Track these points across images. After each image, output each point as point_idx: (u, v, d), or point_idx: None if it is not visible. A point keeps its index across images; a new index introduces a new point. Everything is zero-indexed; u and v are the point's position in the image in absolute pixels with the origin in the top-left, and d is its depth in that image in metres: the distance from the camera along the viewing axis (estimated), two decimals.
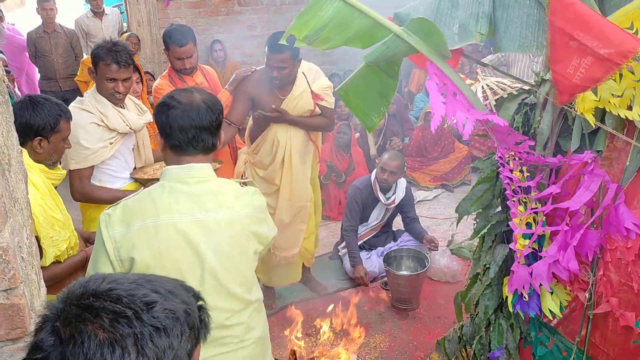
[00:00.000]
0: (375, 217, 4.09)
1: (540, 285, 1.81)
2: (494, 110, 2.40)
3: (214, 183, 1.64)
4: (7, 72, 4.64)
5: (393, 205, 4.02)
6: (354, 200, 3.96)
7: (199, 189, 1.60)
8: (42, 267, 1.90)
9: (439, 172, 5.60)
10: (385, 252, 3.87)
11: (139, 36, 5.69)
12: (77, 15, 6.60)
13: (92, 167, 2.61)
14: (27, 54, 6.18)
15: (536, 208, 1.81)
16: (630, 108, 1.53)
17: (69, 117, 2.19)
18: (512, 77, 2.29)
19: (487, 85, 2.69)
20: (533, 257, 1.87)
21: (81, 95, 2.75)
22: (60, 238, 1.95)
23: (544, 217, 1.83)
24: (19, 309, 1.25)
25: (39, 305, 1.40)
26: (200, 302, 0.89)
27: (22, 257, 1.29)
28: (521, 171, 1.82)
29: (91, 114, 2.56)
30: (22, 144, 1.50)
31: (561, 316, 1.88)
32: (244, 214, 1.65)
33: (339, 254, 4.15)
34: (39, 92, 5.93)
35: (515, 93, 2.09)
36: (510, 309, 1.95)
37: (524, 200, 1.84)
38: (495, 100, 2.47)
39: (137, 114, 2.77)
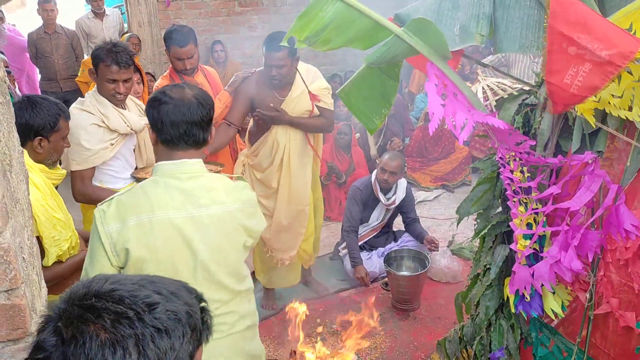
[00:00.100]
0: (376, 218, 4.09)
1: (542, 285, 1.81)
2: (495, 111, 2.40)
3: (206, 178, 1.69)
4: (8, 72, 4.64)
5: (393, 206, 4.02)
6: (354, 201, 3.96)
7: (191, 184, 1.64)
8: (45, 267, 1.91)
9: (439, 172, 5.59)
10: (385, 253, 3.87)
11: (139, 37, 5.70)
12: (77, 16, 6.61)
13: (94, 168, 2.61)
14: (27, 55, 6.18)
15: (537, 208, 1.81)
16: (631, 109, 1.53)
17: (67, 116, 2.20)
18: (512, 77, 2.29)
19: (488, 86, 2.69)
20: (534, 257, 1.87)
21: (82, 96, 2.75)
22: (62, 238, 1.96)
23: (545, 218, 1.83)
24: (20, 309, 1.25)
25: (40, 305, 1.40)
26: (203, 304, 0.89)
27: (24, 257, 1.30)
28: (522, 172, 1.82)
29: (92, 115, 2.56)
30: (22, 144, 1.50)
31: (563, 316, 1.88)
32: (234, 209, 1.69)
33: (340, 254, 4.15)
34: (39, 93, 5.93)
35: (515, 94, 2.09)
36: (512, 310, 1.95)
37: (525, 200, 1.84)
38: (496, 101, 2.48)
39: (138, 114, 2.77)
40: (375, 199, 3.97)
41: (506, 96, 2.17)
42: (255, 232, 1.78)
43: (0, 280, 1.21)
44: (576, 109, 1.63)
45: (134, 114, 2.73)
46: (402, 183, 4.01)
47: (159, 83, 3.27)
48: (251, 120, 3.38)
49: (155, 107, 1.64)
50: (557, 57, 1.48)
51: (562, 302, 1.89)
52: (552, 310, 1.87)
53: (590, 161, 1.69)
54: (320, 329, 3.33)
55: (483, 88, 2.72)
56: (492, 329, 2.19)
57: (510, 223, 1.89)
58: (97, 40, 5.99)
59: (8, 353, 1.29)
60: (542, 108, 1.92)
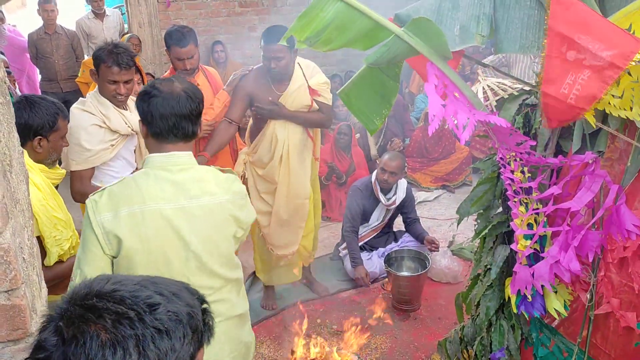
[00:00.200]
0: (376, 218, 4.08)
1: (546, 286, 1.81)
2: (495, 111, 2.39)
3: (196, 170, 1.72)
4: (8, 73, 4.65)
5: (394, 206, 4.01)
6: (354, 201, 3.96)
7: (181, 176, 1.68)
8: (46, 267, 1.92)
9: (439, 172, 5.59)
10: (386, 253, 3.87)
11: (140, 37, 5.69)
12: (78, 16, 6.60)
13: (93, 168, 2.61)
14: (28, 55, 6.18)
15: (537, 209, 1.81)
16: (632, 109, 1.53)
17: (65, 115, 2.20)
18: (513, 77, 2.29)
19: (488, 86, 2.69)
20: (535, 257, 1.86)
21: (82, 97, 2.75)
22: (63, 237, 1.97)
23: (545, 218, 1.83)
24: (20, 310, 1.25)
25: (40, 306, 1.40)
26: (205, 306, 0.89)
27: (24, 258, 1.29)
28: (522, 172, 1.82)
29: (93, 116, 2.56)
30: (22, 144, 1.50)
31: (566, 315, 1.88)
32: (225, 200, 1.73)
33: (340, 254, 4.15)
34: (39, 94, 5.93)
35: (516, 94, 2.09)
36: (514, 310, 1.94)
37: (526, 201, 1.84)
38: (496, 101, 2.47)
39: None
40: (376, 199, 3.97)
41: (506, 96, 2.17)
42: (245, 224, 1.82)
43: (1, 280, 1.21)
44: None
45: (135, 115, 2.73)
46: (403, 183, 4.01)
47: None
48: (250, 119, 3.39)
49: (145, 101, 1.68)
50: (555, 63, 1.47)
51: (565, 301, 1.89)
52: (555, 309, 1.87)
53: (590, 161, 1.69)
54: (320, 330, 3.33)
55: (483, 88, 2.72)
56: (492, 330, 2.19)
57: (511, 223, 1.89)
58: (97, 40, 5.99)
59: (8, 353, 1.29)
60: None
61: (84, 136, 2.54)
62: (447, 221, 4.81)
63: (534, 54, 1.82)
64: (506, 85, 2.62)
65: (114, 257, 1.63)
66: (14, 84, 5.23)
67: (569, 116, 1.50)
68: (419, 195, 5.27)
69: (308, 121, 3.20)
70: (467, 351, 2.40)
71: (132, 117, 2.67)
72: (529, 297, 1.87)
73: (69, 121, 2.30)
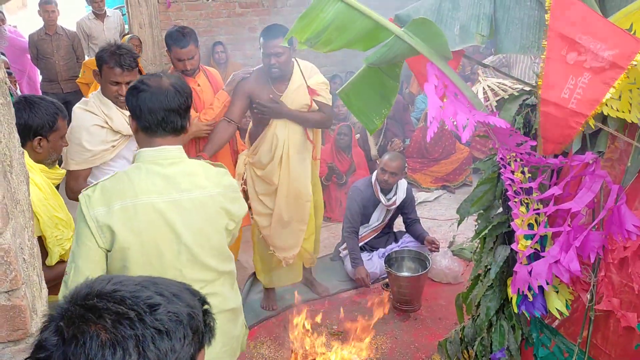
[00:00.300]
0: (376, 219, 4.08)
1: (543, 285, 1.81)
2: (495, 112, 2.39)
3: (186, 164, 1.75)
4: (9, 74, 4.65)
5: (394, 207, 4.01)
6: (354, 202, 3.96)
7: (172, 170, 1.70)
8: (48, 267, 1.92)
9: (440, 173, 5.59)
10: (386, 254, 3.87)
11: (140, 38, 5.69)
12: (78, 17, 6.61)
13: (90, 167, 2.62)
14: (28, 56, 6.19)
15: (538, 209, 1.81)
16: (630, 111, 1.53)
17: (65, 115, 2.21)
18: (513, 78, 2.29)
19: (488, 86, 2.69)
20: (535, 258, 1.86)
21: (82, 97, 2.75)
22: (64, 237, 1.98)
23: (546, 218, 1.83)
24: (20, 310, 1.25)
25: (41, 306, 1.40)
26: (206, 307, 0.89)
27: (24, 258, 1.30)
28: (522, 172, 1.82)
29: (95, 116, 2.56)
30: (22, 144, 1.51)
31: (568, 314, 1.88)
32: (216, 193, 1.76)
33: (340, 255, 4.15)
34: (40, 94, 5.93)
35: (516, 94, 2.09)
36: (515, 310, 1.94)
37: (526, 201, 1.84)
38: (496, 102, 2.47)
39: None
40: (376, 199, 3.97)
41: (507, 97, 2.17)
42: (236, 217, 1.84)
43: (1, 281, 1.21)
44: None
45: None
46: (403, 184, 4.01)
47: None
48: (251, 122, 3.39)
49: (134, 95, 1.70)
50: (555, 66, 1.46)
51: (566, 301, 1.89)
52: (556, 309, 1.86)
53: (591, 162, 1.69)
54: (321, 330, 3.32)
55: (483, 88, 2.71)
56: (493, 330, 2.19)
57: (511, 223, 1.89)
58: (98, 41, 6.00)
59: (8, 354, 1.29)
60: None
61: (85, 136, 2.54)
62: (447, 221, 4.81)
63: (534, 54, 1.81)
64: (506, 85, 2.62)
65: (107, 251, 1.65)
66: (15, 84, 5.23)
67: (569, 127, 1.48)
68: (419, 196, 5.27)
69: (309, 120, 3.20)
70: (468, 351, 2.40)
71: None
72: (530, 296, 1.87)
73: (68, 121, 2.30)
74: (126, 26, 6.53)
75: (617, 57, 1.38)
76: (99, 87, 2.68)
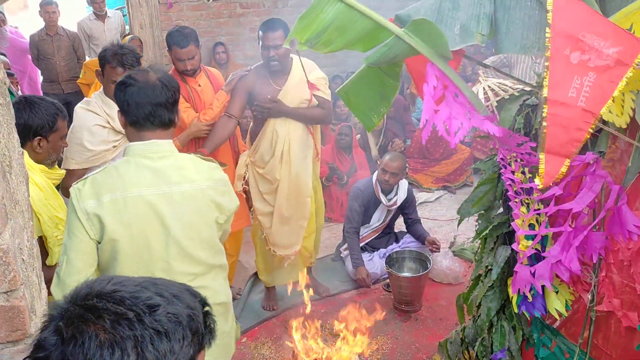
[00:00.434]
0: (377, 219, 4.08)
1: (547, 285, 1.80)
2: (496, 112, 2.39)
3: (176, 158, 1.78)
4: (10, 74, 4.65)
5: (395, 207, 4.01)
6: (355, 202, 3.96)
7: (162, 164, 1.73)
8: (49, 266, 1.93)
9: (441, 173, 5.59)
10: (387, 254, 3.87)
11: (141, 39, 5.70)
12: (79, 17, 6.62)
13: (90, 167, 2.62)
14: (29, 57, 6.20)
15: (539, 209, 1.81)
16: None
17: (65, 116, 2.21)
18: (513, 78, 2.28)
19: (489, 87, 2.69)
20: (536, 258, 1.86)
21: (83, 98, 2.75)
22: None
23: (547, 218, 1.83)
24: (19, 311, 1.25)
25: (40, 307, 1.40)
26: (207, 308, 0.89)
27: (23, 259, 1.29)
28: (523, 172, 1.81)
29: (97, 116, 2.57)
30: (22, 144, 1.51)
31: (566, 314, 1.88)
32: (206, 187, 1.78)
33: (341, 255, 4.15)
34: (41, 95, 5.94)
35: (516, 94, 2.09)
36: (515, 310, 1.94)
37: (527, 201, 1.84)
38: (497, 102, 2.47)
39: None
40: (377, 200, 3.96)
41: (507, 97, 2.17)
42: (227, 210, 1.86)
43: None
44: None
45: None
46: (404, 184, 4.01)
47: None
48: (252, 122, 3.39)
49: (121, 90, 1.73)
50: (559, 65, 1.44)
51: (566, 301, 1.88)
52: (556, 310, 1.86)
53: (591, 162, 1.69)
54: (321, 331, 3.32)
55: (484, 89, 2.71)
56: (493, 330, 2.18)
57: (512, 223, 1.89)
58: (98, 42, 6.01)
59: (7, 355, 1.29)
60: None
61: (87, 136, 2.54)
62: (448, 222, 4.80)
63: (535, 54, 1.81)
64: (507, 85, 2.62)
65: (98, 242, 1.68)
66: (16, 85, 5.23)
67: (578, 130, 1.44)
68: (420, 196, 5.27)
69: (308, 117, 3.20)
70: (468, 352, 2.39)
71: None
72: (529, 296, 1.86)
73: (69, 122, 2.30)
74: (127, 27, 6.54)
75: (622, 54, 1.37)
76: (100, 87, 2.68)
